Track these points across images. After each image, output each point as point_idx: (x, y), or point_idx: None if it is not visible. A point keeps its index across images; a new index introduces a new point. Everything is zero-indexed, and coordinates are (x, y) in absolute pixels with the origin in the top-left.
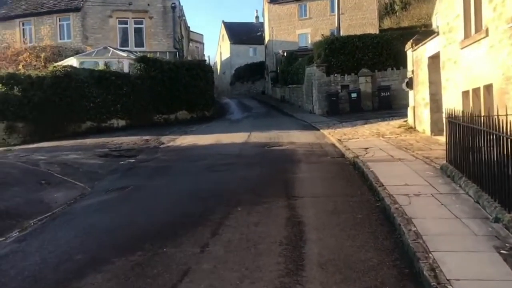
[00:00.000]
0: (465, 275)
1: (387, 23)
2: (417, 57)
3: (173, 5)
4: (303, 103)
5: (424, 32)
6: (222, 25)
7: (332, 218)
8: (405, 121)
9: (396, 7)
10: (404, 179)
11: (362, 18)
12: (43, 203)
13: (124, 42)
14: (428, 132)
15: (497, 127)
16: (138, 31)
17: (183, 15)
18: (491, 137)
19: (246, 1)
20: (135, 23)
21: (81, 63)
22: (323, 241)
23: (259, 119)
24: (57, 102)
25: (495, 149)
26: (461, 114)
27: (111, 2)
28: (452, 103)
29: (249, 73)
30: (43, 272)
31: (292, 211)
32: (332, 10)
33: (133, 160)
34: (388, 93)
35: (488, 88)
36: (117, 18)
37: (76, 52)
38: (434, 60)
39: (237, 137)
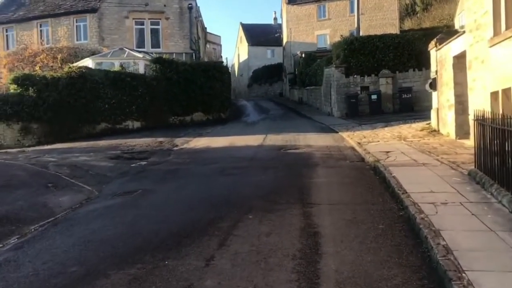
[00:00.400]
0: None
1: (408, 24)
2: (441, 56)
3: (189, 5)
4: (321, 105)
5: (448, 31)
6: (240, 27)
7: (351, 228)
8: (428, 123)
9: (417, 8)
10: (429, 186)
11: (382, 19)
12: (46, 207)
13: (141, 43)
14: (452, 135)
15: None
16: (155, 32)
17: (199, 16)
18: None
19: (265, 2)
20: (152, 24)
21: (97, 64)
22: (341, 255)
23: (276, 121)
24: (72, 103)
25: None
26: (491, 116)
27: (128, 3)
28: (479, 104)
29: (266, 75)
30: (31, 287)
31: (307, 220)
32: (352, 10)
33: (144, 163)
34: (410, 95)
35: None
36: (133, 19)
37: (92, 53)
38: (460, 60)
39: (252, 140)
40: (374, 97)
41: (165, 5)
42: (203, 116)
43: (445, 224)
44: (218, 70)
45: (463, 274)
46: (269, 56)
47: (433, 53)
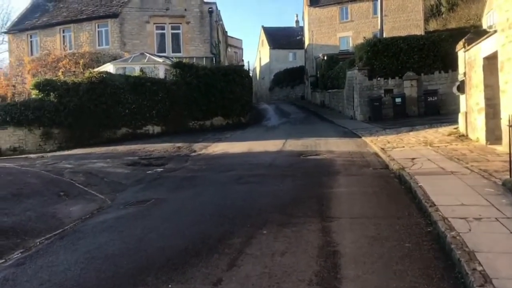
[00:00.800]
0: None
1: (433, 25)
2: (470, 58)
3: (210, 9)
4: (343, 109)
5: (476, 31)
6: (262, 30)
7: (374, 247)
8: (456, 128)
9: (443, 9)
10: (459, 198)
11: (406, 20)
12: (55, 218)
13: (162, 47)
14: (482, 140)
15: None
16: (175, 37)
17: (220, 19)
18: None
19: (286, 5)
20: (172, 28)
21: (118, 69)
22: (363, 280)
23: (296, 126)
24: (93, 108)
25: None
26: None
27: (149, 8)
28: None
29: (288, 78)
30: None
31: (326, 237)
32: (375, 12)
33: (160, 170)
34: (436, 98)
35: None
36: (154, 23)
37: (114, 58)
38: (490, 61)
39: (271, 145)
40: (398, 100)
41: (185, 10)
42: (223, 120)
43: (480, 245)
44: (239, 74)
45: None
46: (291, 59)
47: (461, 54)
